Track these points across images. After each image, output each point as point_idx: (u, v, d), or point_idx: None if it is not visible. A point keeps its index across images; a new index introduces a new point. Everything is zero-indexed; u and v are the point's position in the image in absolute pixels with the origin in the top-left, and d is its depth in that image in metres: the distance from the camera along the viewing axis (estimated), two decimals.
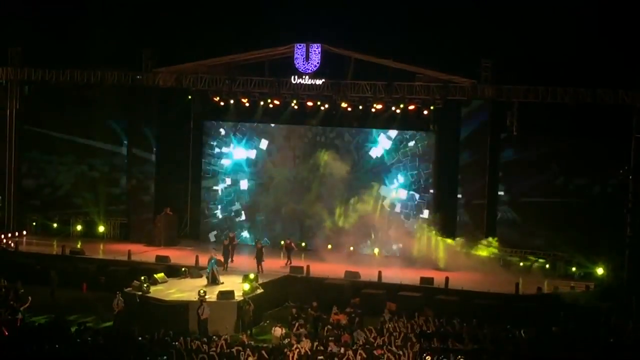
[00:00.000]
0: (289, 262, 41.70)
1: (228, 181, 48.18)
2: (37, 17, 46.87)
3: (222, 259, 39.54)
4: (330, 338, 30.12)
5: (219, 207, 48.32)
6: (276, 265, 41.48)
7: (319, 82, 43.60)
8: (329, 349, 28.12)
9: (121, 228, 47.85)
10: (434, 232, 43.05)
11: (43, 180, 48.82)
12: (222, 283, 36.56)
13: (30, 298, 32.93)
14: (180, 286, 36.38)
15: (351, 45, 43.40)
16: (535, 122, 41.65)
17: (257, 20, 45.69)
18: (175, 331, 29.82)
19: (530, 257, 42.27)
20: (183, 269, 38.22)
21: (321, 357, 26.46)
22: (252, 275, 36.49)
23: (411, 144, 45.37)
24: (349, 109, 44.61)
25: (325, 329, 31.72)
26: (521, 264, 42.02)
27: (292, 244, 43.12)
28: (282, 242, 44.00)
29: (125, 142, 48.13)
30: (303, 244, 44.27)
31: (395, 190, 45.53)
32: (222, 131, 48.10)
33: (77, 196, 48.35)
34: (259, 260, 40.11)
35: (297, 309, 34.07)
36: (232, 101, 46.07)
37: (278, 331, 32.12)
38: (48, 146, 48.53)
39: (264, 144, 47.56)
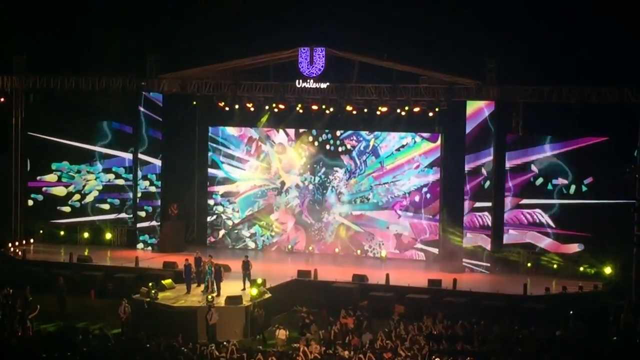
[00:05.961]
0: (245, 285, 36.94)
1: (236, 187, 48.23)
2: (41, 25, 46.96)
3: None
4: (338, 342, 30.13)
5: (229, 212, 48.38)
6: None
7: (323, 85, 43.56)
8: (338, 352, 28.11)
9: (128, 235, 47.85)
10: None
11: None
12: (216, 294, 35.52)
13: (38, 306, 32.96)
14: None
15: (355, 48, 43.42)
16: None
17: (260, 25, 45.76)
18: (184, 337, 29.91)
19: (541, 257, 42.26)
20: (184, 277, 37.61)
21: None
22: (259, 280, 36.43)
23: (416, 146, 45.32)
24: (354, 112, 44.57)
25: (334, 332, 31.72)
26: (529, 264, 42.00)
27: (250, 262, 37.39)
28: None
29: (132, 148, 47.93)
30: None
31: (402, 193, 45.51)
32: (229, 136, 48.10)
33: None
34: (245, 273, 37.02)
35: (305, 313, 34.02)
36: (237, 106, 46.05)
37: (282, 333, 32.32)
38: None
39: (271, 149, 47.57)
